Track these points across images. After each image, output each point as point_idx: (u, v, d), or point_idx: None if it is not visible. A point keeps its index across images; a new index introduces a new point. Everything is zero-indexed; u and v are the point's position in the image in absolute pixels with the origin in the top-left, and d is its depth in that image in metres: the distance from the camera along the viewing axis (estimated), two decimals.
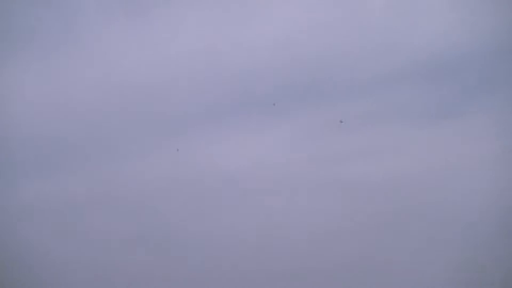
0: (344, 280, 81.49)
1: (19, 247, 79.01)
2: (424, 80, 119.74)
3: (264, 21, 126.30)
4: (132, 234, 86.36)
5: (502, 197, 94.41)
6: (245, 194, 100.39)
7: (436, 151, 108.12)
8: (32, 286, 73.55)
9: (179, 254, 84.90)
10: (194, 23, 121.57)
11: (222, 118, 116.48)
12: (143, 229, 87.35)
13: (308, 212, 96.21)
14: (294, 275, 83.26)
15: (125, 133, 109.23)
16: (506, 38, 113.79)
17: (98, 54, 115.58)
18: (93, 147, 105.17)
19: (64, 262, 77.48)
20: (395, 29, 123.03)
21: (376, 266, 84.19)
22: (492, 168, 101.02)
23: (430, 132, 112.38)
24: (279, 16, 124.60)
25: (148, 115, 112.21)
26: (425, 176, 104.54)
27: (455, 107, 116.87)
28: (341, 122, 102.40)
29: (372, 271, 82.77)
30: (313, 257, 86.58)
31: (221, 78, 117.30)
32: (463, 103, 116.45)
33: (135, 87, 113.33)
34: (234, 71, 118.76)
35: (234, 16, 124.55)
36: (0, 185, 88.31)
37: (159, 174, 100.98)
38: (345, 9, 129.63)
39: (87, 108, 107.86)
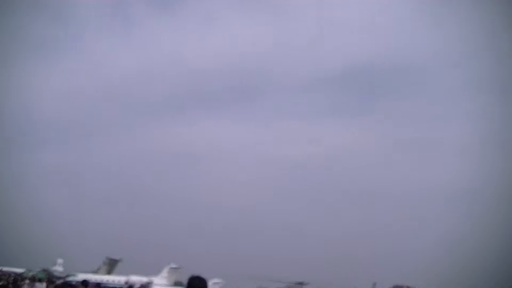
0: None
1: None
2: (340, 88, 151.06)
3: (219, 36, 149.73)
4: (118, 192, 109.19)
5: (394, 171, 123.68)
6: (203, 165, 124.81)
7: (349, 138, 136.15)
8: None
9: (153, 208, 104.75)
10: (167, 40, 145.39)
11: (186, 107, 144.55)
12: (126, 188, 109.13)
13: (250, 180, 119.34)
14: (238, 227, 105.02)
15: (113, 116, 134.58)
16: (398, 57, 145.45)
17: (96, 58, 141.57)
18: (89, 126, 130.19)
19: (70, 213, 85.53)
20: (321, 48, 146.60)
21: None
22: (387, 150, 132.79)
23: (344, 124, 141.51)
24: (230, 33, 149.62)
25: (132, 105, 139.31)
26: (340, 155, 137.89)
27: (362, 107, 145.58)
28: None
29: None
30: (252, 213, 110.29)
31: (185, 79, 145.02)
32: (367, 104, 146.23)
33: (126, 84, 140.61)
34: (195, 74, 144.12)
35: (196, 33, 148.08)
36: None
37: (138, 147, 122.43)
38: (282, 29, 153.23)
39: (88, 97, 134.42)
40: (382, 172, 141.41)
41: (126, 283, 46.52)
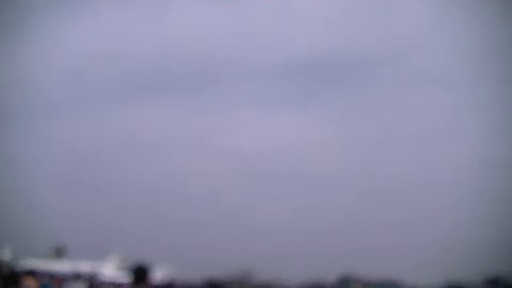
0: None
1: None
2: (285, 78, 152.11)
3: (175, 22, 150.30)
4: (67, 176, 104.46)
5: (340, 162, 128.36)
6: (156, 152, 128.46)
7: (292, 129, 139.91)
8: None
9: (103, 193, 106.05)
10: (122, 24, 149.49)
11: (140, 93, 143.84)
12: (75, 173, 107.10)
13: (203, 169, 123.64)
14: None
15: (64, 100, 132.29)
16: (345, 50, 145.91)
17: (49, 42, 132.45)
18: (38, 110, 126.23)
19: None
20: (278, 37, 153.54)
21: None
22: (331, 141, 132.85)
23: (287, 115, 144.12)
24: (186, 19, 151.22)
25: (85, 89, 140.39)
26: (294, 145, 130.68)
27: (306, 99, 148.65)
28: None
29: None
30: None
31: (140, 64, 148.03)
32: (321, 95, 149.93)
33: (79, 68, 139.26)
34: (150, 59, 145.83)
35: (152, 18, 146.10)
36: None
37: (90, 132, 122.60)
38: (233, 18, 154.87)
39: (39, 80, 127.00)
40: (336, 163, 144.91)
41: (74, 274, 47.03)
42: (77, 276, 40.23)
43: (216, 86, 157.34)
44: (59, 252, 63.32)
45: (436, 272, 75.50)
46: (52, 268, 50.58)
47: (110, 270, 59.17)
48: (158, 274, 56.46)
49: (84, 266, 53.98)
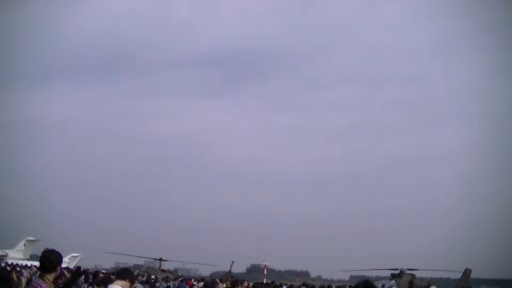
0: None
1: None
2: (211, 67, 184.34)
3: (95, 7, 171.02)
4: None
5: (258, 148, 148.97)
6: (59, 137, 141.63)
7: (215, 116, 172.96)
8: None
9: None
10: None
11: (53, 77, 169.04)
12: None
13: (108, 155, 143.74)
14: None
15: None
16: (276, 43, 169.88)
17: None
18: None
19: None
20: (198, 29, 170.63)
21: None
22: (253, 128, 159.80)
23: (212, 103, 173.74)
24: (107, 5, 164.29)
25: None
26: (203, 132, 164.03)
27: (230, 88, 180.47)
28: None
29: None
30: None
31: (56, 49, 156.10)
32: (238, 85, 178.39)
33: None
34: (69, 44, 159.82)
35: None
36: None
37: None
38: (157, 8, 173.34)
39: None
40: (246, 154, 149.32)
41: None
42: None
43: (132, 73, 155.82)
44: None
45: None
46: None
47: (17, 255, 58.03)
48: (68, 261, 56.31)
49: None
